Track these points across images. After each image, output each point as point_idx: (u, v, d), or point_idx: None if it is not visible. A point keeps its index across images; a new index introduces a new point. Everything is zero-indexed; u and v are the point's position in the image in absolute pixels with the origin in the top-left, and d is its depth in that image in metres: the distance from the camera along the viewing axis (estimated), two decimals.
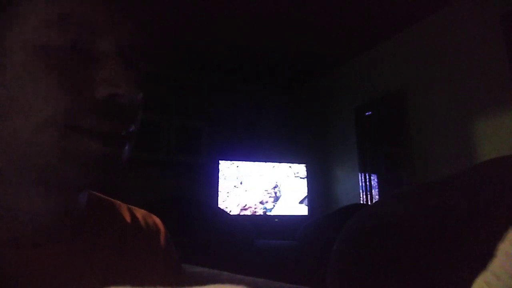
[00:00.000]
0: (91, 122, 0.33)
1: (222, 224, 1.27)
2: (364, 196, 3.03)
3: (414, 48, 2.72)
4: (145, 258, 0.45)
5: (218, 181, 3.19)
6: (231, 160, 3.29)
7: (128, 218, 0.48)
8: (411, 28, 2.73)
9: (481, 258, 0.32)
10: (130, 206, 0.50)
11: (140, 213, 0.50)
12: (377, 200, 2.89)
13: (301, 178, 3.44)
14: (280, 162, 3.42)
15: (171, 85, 3.40)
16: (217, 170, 3.22)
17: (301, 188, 3.41)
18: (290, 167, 3.44)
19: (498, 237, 0.32)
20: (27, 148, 0.33)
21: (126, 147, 0.37)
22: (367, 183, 3.04)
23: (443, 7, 2.47)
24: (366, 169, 3.07)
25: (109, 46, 0.35)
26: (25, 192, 0.36)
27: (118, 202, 0.50)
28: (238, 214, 3.12)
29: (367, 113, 3.13)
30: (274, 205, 3.28)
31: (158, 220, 0.52)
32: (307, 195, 3.40)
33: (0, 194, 0.35)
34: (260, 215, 3.21)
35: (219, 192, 3.17)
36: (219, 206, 3.10)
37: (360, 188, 3.08)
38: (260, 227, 3.05)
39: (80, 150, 0.33)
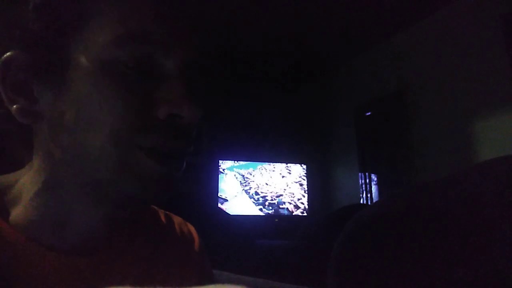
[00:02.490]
0: (152, 141, 0.34)
1: (222, 224, 1.27)
2: (364, 196, 3.03)
3: (414, 48, 2.72)
4: (179, 267, 0.45)
5: (218, 181, 3.19)
6: (231, 160, 3.29)
7: (165, 226, 0.48)
8: (411, 28, 2.73)
9: (481, 258, 0.32)
10: (167, 212, 0.51)
11: (176, 220, 0.51)
12: (377, 200, 2.89)
13: (301, 178, 3.44)
14: (280, 162, 3.42)
15: None
16: (217, 170, 3.22)
17: (301, 188, 3.41)
18: (290, 167, 3.44)
19: (498, 238, 0.32)
20: (93, 163, 0.33)
21: (182, 166, 0.37)
22: (367, 183, 3.04)
23: (443, 7, 2.47)
24: (366, 169, 3.07)
25: (174, 65, 0.35)
26: (79, 204, 0.36)
27: (156, 208, 0.50)
28: (238, 214, 3.12)
29: (367, 113, 3.13)
30: (276, 206, 3.28)
31: (193, 229, 0.52)
32: (307, 195, 3.40)
33: (53, 205, 0.36)
34: (260, 215, 3.21)
35: (219, 192, 3.16)
36: (219, 206, 3.10)
37: (360, 188, 3.08)
38: (260, 227, 3.05)
39: (140, 168, 0.33)
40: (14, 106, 0.34)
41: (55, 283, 0.34)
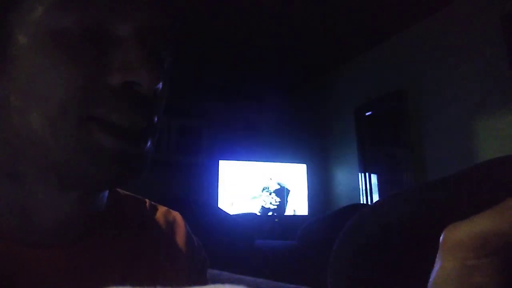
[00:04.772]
0: (107, 113, 0.30)
1: (222, 224, 1.27)
2: (364, 196, 3.03)
3: (414, 48, 2.72)
4: (165, 259, 0.43)
5: (218, 181, 3.19)
6: (231, 160, 3.29)
7: (149, 215, 0.45)
8: (411, 28, 2.73)
9: None
10: (152, 202, 0.48)
11: (161, 210, 0.47)
12: (377, 200, 2.89)
13: (301, 178, 3.44)
14: (280, 162, 3.42)
15: (171, 85, 3.40)
16: (217, 170, 3.22)
17: (301, 188, 3.41)
18: (290, 167, 3.44)
19: None
20: (44, 143, 0.30)
21: (149, 142, 0.33)
22: (367, 183, 3.04)
23: (443, 7, 2.47)
24: (366, 169, 3.07)
25: (128, 29, 0.31)
26: (43, 192, 0.33)
27: (140, 198, 0.47)
28: (238, 214, 3.12)
29: (367, 113, 3.13)
30: (274, 206, 3.28)
31: (179, 216, 0.49)
32: (307, 195, 3.40)
33: (16, 194, 0.33)
34: (260, 215, 3.21)
35: (219, 192, 3.16)
36: (219, 206, 3.10)
37: (360, 188, 3.07)
38: (260, 227, 3.05)
39: (97, 145, 0.30)
40: None
41: (30, 278, 0.32)
